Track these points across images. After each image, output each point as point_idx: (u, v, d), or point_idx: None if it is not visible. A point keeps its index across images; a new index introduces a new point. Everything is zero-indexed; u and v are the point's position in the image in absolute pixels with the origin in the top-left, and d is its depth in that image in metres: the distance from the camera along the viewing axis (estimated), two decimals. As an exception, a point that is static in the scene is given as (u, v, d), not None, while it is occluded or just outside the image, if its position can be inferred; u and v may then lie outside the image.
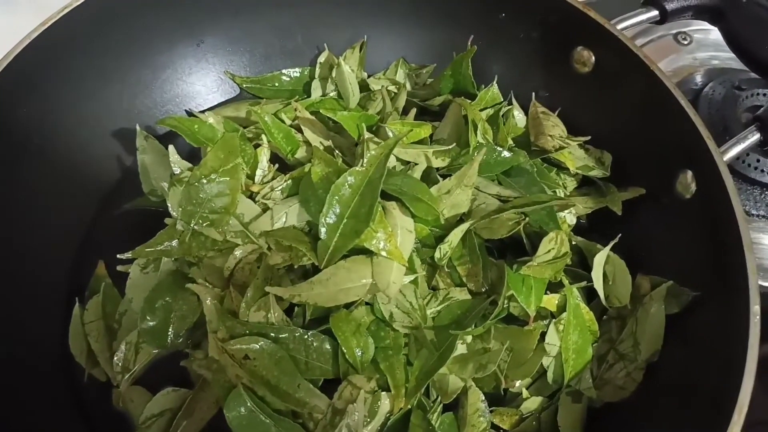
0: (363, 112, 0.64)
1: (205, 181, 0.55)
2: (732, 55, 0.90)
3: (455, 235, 0.54)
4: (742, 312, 0.46)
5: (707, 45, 0.93)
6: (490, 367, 0.51)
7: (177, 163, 0.58)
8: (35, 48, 0.56)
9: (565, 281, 0.54)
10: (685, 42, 0.92)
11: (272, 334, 0.51)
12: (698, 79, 0.87)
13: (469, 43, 0.66)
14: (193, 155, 0.62)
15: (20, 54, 0.55)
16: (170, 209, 0.55)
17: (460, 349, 0.53)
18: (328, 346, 0.52)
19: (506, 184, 0.59)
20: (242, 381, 0.49)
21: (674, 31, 0.93)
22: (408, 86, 0.68)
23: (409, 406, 0.51)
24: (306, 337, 0.52)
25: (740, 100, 0.79)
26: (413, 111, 0.64)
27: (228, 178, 0.55)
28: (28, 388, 0.53)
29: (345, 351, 0.51)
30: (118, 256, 0.55)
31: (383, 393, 0.51)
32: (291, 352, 0.51)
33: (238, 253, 0.55)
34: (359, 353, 0.51)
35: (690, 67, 0.90)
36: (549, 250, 0.53)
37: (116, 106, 0.65)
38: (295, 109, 0.62)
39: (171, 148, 0.58)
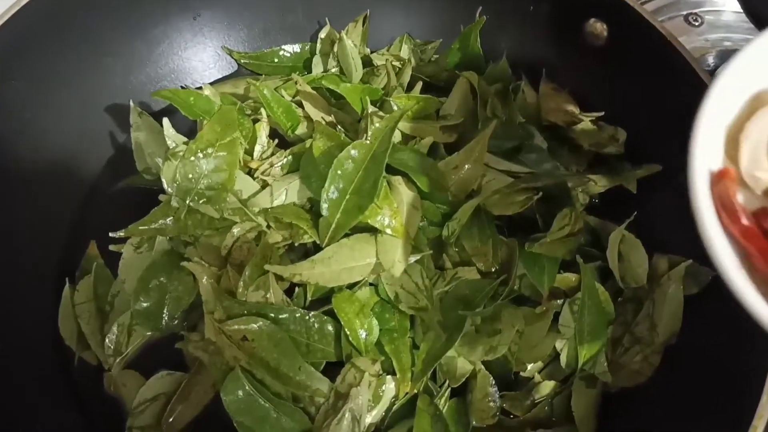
0: (367, 86, 0.61)
1: (201, 155, 0.52)
2: (744, 36, 0.88)
3: (464, 212, 0.51)
4: (767, 291, 0.44)
5: (719, 26, 0.90)
6: (501, 349, 0.48)
7: (172, 137, 0.55)
8: (24, 17, 0.54)
9: (579, 260, 0.51)
10: (696, 23, 0.90)
11: (272, 315, 0.48)
12: (710, 60, 0.84)
13: (477, 15, 0.64)
14: (191, 133, 0.59)
15: (8, 23, 0.53)
16: (164, 185, 0.53)
17: (469, 331, 0.50)
18: (330, 328, 0.50)
19: (516, 160, 0.56)
20: (240, 363, 0.47)
21: (685, 12, 0.91)
22: (413, 62, 0.65)
23: (416, 391, 0.49)
24: (307, 318, 0.49)
25: (755, 80, 0.76)
26: (419, 85, 0.62)
27: (225, 153, 0.53)
28: (17, 371, 0.51)
29: (348, 333, 0.48)
30: (110, 234, 0.52)
31: (388, 377, 0.49)
32: (291, 333, 0.48)
33: (235, 231, 0.53)
34: (363, 335, 0.49)
35: (702, 49, 0.87)
36: (563, 227, 0.50)
37: (109, 81, 0.62)
38: (296, 83, 0.59)
39: (165, 121, 0.55)
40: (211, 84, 0.65)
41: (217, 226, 0.53)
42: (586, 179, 0.55)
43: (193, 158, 0.52)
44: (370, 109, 0.56)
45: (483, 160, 0.54)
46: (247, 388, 0.46)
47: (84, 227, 0.59)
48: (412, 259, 0.51)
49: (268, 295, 0.49)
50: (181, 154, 0.52)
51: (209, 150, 0.52)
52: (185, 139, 0.56)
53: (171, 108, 0.63)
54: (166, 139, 0.55)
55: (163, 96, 0.55)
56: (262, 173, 0.55)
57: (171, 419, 0.50)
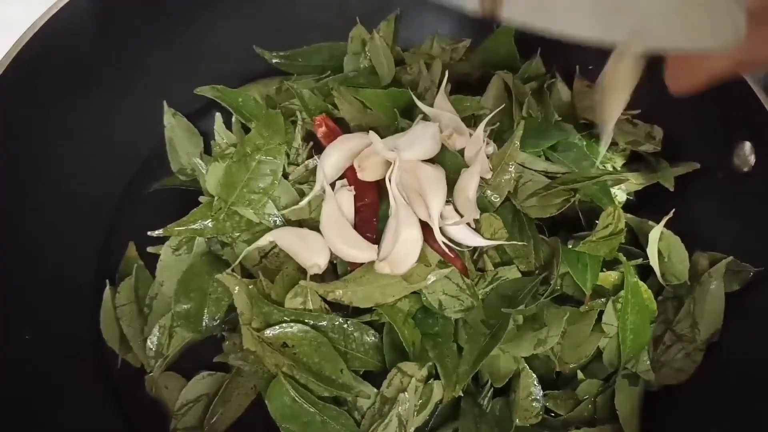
0: (393, 90, 0.59)
1: (248, 159, 0.52)
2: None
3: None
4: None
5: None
6: (551, 341, 0.48)
7: (222, 133, 0.55)
8: (62, 18, 0.53)
9: (622, 258, 0.51)
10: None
11: (311, 322, 0.48)
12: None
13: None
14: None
15: (48, 23, 0.52)
16: (207, 186, 0.53)
17: (512, 329, 0.50)
18: (369, 338, 0.50)
19: (554, 159, 0.56)
20: (282, 369, 0.47)
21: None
22: (444, 58, 0.65)
23: (460, 392, 0.49)
24: (346, 326, 0.49)
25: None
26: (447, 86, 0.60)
27: (271, 158, 0.53)
28: (59, 374, 0.51)
29: (402, 338, 0.48)
30: (149, 233, 0.52)
31: (435, 382, 0.48)
32: (330, 341, 0.48)
33: (270, 237, 0.52)
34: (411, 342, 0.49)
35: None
36: (606, 225, 0.50)
37: (143, 83, 0.61)
38: (331, 89, 0.58)
39: (218, 116, 0.56)
40: (243, 84, 0.65)
41: (256, 230, 0.53)
42: (624, 178, 0.55)
43: (240, 161, 0.52)
44: (402, 123, 0.56)
45: (517, 162, 0.53)
46: (291, 394, 0.46)
47: (120, 229, 0.59)
48: (433, 277, 0.49)
49: (306, 302, 0.49)
50: (229, 155, 0.52)
51: (256, 154, 0.52)
52: (235, 139, 0.56)
53: (203, 110, 0.63)
54: (216, 133, 0.56)
55: (210, 93, 0.55)
56: (298, 179, 0.54)
57: (213, 420, 0.50)
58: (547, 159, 0.56)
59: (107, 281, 0.55)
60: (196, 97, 0.61)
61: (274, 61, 0.65)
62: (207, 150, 0.61)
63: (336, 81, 0.60)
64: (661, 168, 0.58)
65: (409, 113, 0.58)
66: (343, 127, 0.59)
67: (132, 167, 0.62)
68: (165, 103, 0.60)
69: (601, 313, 0.50)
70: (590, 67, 0.64)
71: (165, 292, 0.54)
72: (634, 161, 0.60)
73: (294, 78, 0.64)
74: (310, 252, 0.50)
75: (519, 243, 0.51)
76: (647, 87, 0.60)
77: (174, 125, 0.60)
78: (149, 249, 0.56)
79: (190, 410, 0.51)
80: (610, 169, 0.58)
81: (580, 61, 0.64)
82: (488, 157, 0.53)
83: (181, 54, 0.64)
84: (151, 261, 0.56)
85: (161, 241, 0.55)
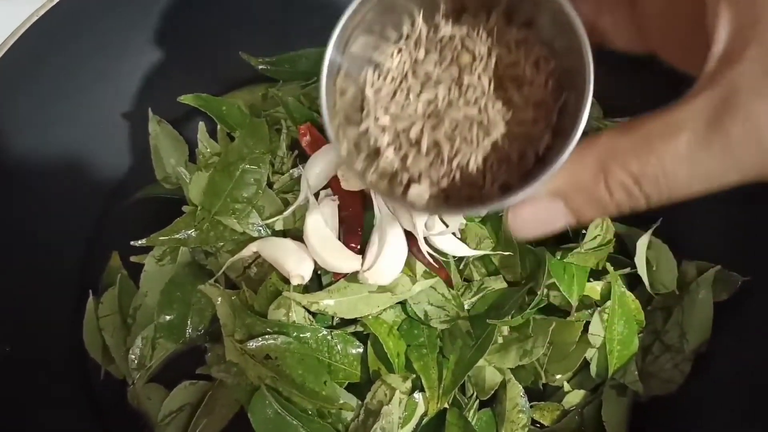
0: None
1: (231, 168, 0.52)
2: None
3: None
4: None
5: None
6: (536, 351, 0.48)
7: (206, 141, 0.55)
8: (42, 25, 0.52)
9: (610, 268, 0.51)
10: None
11: (294, 334, 0.48)
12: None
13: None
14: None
15: (26, 33, 0.52)
16: (191, 195, 0.52)
17: (498, 341, 0.50)
18: (352, 349, 0.49)
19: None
20: (265, 381, 0.46)
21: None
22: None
23: (445, 405, 0.48)
24: (329, 338, 0.49)
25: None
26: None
27: (255, 167, 0.52)
28: (40, 386, 0.51)
29: (387, 350, 0.48)
30: (132, 243, 0.52)
31: (419, 394, 0.48)
32: (314, 353, 0.48)
33: (254, 247, 0.52)
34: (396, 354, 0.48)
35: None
36: (595, 237, 0.50)
37: (126, 89, 0.61)
38: (315, 97, 0.58)
39: (201, 124, 0.55)
40: (229, 91, 0.64)
41: (239, 240, 0.53)
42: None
43: (224, 171, 0.51)
44: None
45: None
46: (274, 406, 0.45)
47: (103, 238, 0.59)
48: (418, 287, 0.49)
49: (289, 314, 0.49)
50: (212, 165, 0.52)
51: (240, 164, 0.52)
52: (219, 148, 0.55)
53: (189, 116, 0.62)
54: (199, 142, 0.55)
55: (193, 102, 0.55)
56: (282, 188, 0.54)
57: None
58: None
59: (90, 292, 0.54)
60: (181, 103, 0.61)
61: (260, 67, 0.64)
62: (192, 157, 0.61)
63: (320, 88, 0.59)
64: (651, 176, 0.58)
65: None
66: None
67: (116, 175, 0.61)
68: (150, 110, 0.60)
69: (587, 324, 0.50)
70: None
71: (149, 303, 0.53)
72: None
73: (280, 84, 0.64)
74: (294, 262, 0.49)
75: (504, 253, 0.51)
76: (638, 94, 0.61)
77: (159, 133, 0.60)
78: (133, 259, 0.55)
79: (173, 420, 0.50)
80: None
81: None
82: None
83: (166, 59, 0.63)
84: (135, 271, 0.55)
85: (145, 250, 0.55)
